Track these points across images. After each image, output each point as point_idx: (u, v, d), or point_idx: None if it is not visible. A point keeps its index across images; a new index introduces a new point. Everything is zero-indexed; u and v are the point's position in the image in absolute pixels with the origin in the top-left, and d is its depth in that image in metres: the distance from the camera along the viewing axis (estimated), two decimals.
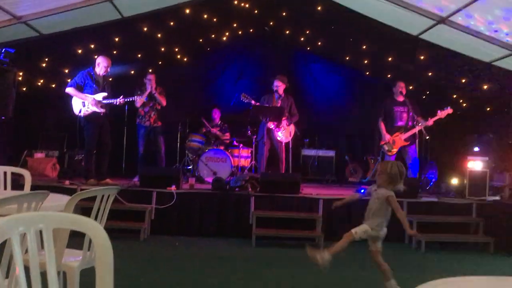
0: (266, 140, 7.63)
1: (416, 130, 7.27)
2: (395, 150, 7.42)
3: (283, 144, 7.77)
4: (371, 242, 3.90)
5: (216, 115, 8.98)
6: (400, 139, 7.39)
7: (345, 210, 6.34)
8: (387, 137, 7.47)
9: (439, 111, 7.24)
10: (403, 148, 7.43)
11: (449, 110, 7.21)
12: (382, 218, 3.87)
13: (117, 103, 6.78)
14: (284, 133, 7.75)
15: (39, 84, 8.23)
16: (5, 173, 3.96)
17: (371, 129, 8.85)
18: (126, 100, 6.84)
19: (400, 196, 6.48)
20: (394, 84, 7.65)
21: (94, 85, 6.61)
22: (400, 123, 7.51)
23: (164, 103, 7.66)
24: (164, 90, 7.76)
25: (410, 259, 5.64)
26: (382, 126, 7.56)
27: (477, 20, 6.27)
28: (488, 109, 8.19)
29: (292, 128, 7.84)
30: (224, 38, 9.14)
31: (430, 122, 7.24)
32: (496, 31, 6.40)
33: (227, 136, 8.85)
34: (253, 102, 7.57)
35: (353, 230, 3.82)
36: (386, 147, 7.48)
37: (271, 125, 7.63)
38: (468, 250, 6.20)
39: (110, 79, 7.03)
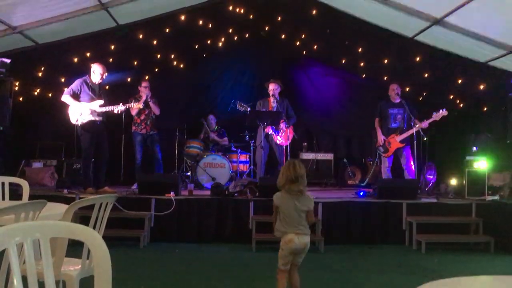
0: (265, 145, 7.62)
1: (411, 132, 7.34)
2: (390, 152, 7.53)
3: (283, 147, 7.76)
4: (301, 255, 3.52)
5: (213, 121, 8.99)
6: (395, 141, 7.47)
7: (344, 214, 6.36)
8: (381, 139, 7.60)
9: (434, 113, 7.29)
10: (398, 149, 7.52)
11: (444, 113, 7.23)
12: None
13: (118, 111, 6.78)
14: (283, 136, 7.75)
15: (36, 93, 8.23)
16: (2, 184, 3.94)
17: (369, 132, 8.86)
18: (126, 107, 6.84)
19: (399, 197, 6.57)
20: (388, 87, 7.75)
21: (90, 93, 6.61)
22: (393, 125, 7.60)
23: (157, 112, 7.67)
24: (157, 100, 7.76)
25: (411, 260, 5.62)
26: (378, 127, 7.70)
27: (471, 20, 6.29)
28: (485, 109, 8.21)
29: (290, 131, 7.84)
30: (220, 44, 9.14)
31: (425, 124, 7.29)
32: (490, 31, 6.42)
33: (225, 140, 8.87)
34: (249, 110, 7.55)
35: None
36: (381, 149, 7.60)
37: (269, 130, 7.62)
38: (468, 250, 6.20)
39: (107, 87, 7.01)
